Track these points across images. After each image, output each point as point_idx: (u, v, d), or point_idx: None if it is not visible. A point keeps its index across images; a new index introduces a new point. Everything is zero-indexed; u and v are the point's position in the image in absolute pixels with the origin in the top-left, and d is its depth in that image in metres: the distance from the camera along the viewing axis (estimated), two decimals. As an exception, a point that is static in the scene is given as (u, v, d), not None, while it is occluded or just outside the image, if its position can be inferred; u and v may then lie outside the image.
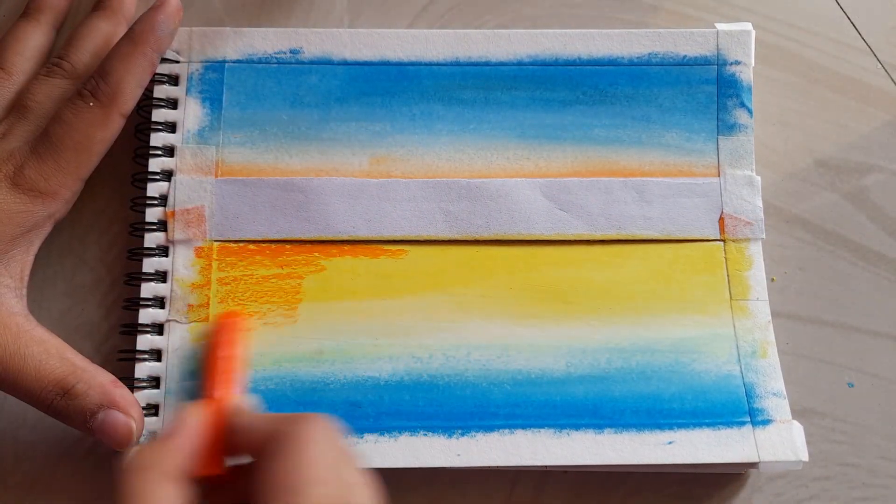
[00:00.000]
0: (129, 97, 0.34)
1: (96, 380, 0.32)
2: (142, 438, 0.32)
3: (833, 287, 0.37)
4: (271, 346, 0.34)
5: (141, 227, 0.35)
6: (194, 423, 0.28)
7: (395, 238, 0.35)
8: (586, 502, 0.34)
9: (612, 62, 0.37)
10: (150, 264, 0.35)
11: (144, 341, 0.34)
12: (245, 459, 0.28)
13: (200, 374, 0.33)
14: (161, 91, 0.36)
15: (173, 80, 0.36)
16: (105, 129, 0.33)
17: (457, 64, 0.37)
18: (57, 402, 0.31)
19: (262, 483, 0.25)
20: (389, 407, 0.33)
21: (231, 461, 0.29)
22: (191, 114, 0.36)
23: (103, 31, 0.36)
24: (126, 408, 0.31)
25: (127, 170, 0.36)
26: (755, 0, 0.40)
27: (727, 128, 0.37)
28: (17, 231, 0.32)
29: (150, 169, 0.35)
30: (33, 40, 0.37)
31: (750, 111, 0.37)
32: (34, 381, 0.31)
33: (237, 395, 0.31)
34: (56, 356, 0.32)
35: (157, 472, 0.26)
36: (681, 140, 0.37)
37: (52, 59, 0.35)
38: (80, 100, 0.33)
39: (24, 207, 0.32)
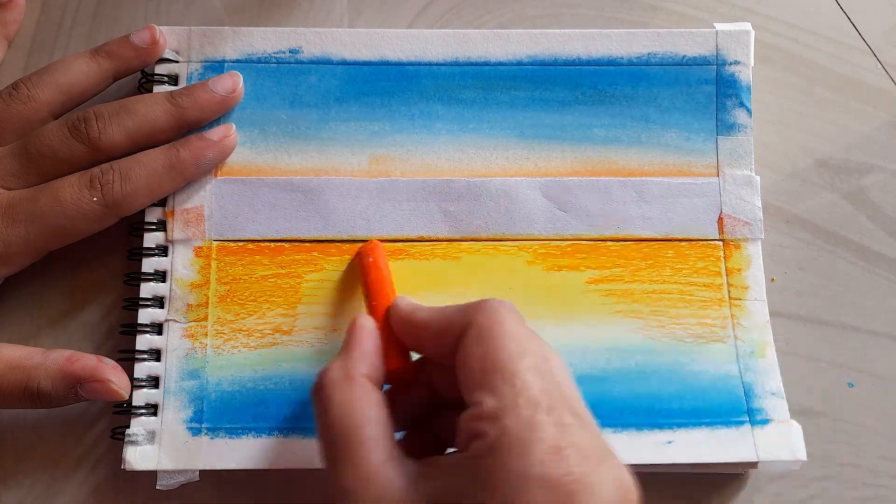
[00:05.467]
0: (137, 207, 0.34)
1: (53, 369, 0.31)
2: (140, 437, 0.33)
3: (833, 287, 0.37)
4: (271, 346, 0.34)
5: (140, 227, 0.35)
6: (370, 326, 0.29)
7: (395, 238, 0.35)
8: (586, 502, 0.34)
9: (612, 62, 0.37)
10: (149, 264, 0.35)
11: (144, 341, 0.34)
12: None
13: (363, 293, 0.33)
14: (161, 91, 0.36)
15: (173, 79, 0.36)
16: (95, 225, 0.33)
17: (456, 64, 0.37)
18: (36, 405, 0.32)
19: (463, 370, 0.26)
20: (389, 407, 0.33)
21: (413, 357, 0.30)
22: (190, 114, 0.36)
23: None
24: (91, 376, 0.31)
25: (127, 170, 0.36)
26: (755, 0, 0.40)
27: (726, 128, 0.37)
28: None
29: (150, 169, 0.35)
30: None
31: (749, 111, 0.37)
32: (4, 401, 0.31)
33: (393, 297, 0.32)
34: (5, 368, 0.31)
35: (354, 378, 0.27)
36: (680, 140, 0.37)
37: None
38: (86, 190, 0.32)
39: None
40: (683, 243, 0.36)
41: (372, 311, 0.31)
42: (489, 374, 0.25)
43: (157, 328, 0.34)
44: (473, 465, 0.24)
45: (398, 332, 0.30)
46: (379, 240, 0.35)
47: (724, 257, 0.36)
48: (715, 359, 0.34)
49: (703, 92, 0.37)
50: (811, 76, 0.39)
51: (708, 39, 0.37)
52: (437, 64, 0.37)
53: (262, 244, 0.35)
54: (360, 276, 0.34)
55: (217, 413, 0.33)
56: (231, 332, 0.34)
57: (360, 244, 0.35)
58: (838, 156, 0.38)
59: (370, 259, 0.33)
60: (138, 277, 0.34)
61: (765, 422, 0.33)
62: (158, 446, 0.33)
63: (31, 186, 0.33)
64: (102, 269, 0.36)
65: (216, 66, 0.37)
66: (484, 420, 0.24)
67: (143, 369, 0.34)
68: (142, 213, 0.35)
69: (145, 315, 0.34)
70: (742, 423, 0.33)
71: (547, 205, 0.36)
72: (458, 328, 0.27)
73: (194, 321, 0.34)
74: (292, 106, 0.36)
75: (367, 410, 0.26)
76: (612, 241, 0.36)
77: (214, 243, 0.35)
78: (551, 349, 0.26)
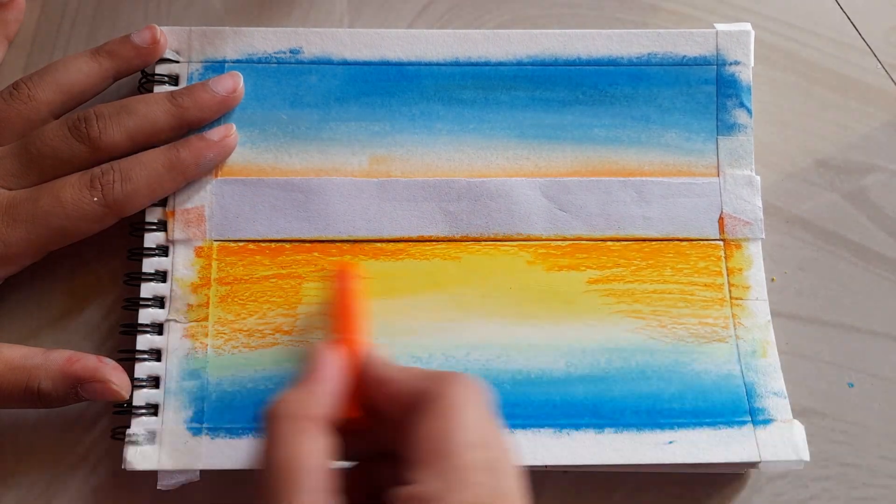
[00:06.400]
0: (137, 207, 0.34)
1: (54, 369, 0.31)
2: (141, 437, 0.33)
3: (833, 287, 0.37)
4: (271, 346, 0.34)
5: (141, 227, 0.35)
6: (335, 366, 0.27)
7: (395, 238, 0.35)
8: (586, 502, 0.34)
9: (612, 62, 0.37)
10: (149, 264, 0.35)
11: (144, 341, 0.34)
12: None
13: (330, 319, 0.31)
14: (162, 91, 0.36)
15: (173, 80, 0.36)
16: (96, 225, 0.33)
17: (456, 64, 0.37)
18: (36, 405, 0.32)
19: (412, 441, 0.24)
20: (389, 407, 0.33)
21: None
22: (191, 114, 0.36)
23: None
24: (92, 376, 0.31)
25: (127, 170, 0.36)
26: (755, 0, 0.40)
27: (726, 128, 0.37)
28: None
29: (150, 169, 0.35)
30: None
31: (749, 111, 0.37)
32: (4, 401, 0.31)
33: (367, 341, 0.30)
34: (6, 369, 0.31)
35: (303, 418, 0.25)
36: (680, 140, 0.37)
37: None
38: (87, 190, 0.32)
39: None
40: (684, 243, 0.36)
41: (339, 344, 0.29)
42: (438, 455, 0.24)
43: (158, 328, 0.34)
44: None
45: (366, 384, 0.28)
46: (379, 239, 0.35)
47: (725, 257, 0.36)
48: (716, 359, 0.34)
49: (703, 92, 0.37)
50: (811, 76, 0.39)
51: (708, 40, 0.37)
52: (438, 64, 0.37)
53: (263, 244, 0.35)
54: (332, 299, 0.31)
55: (218, 413, 0.33)
56: (232, 332, 0.34)
57: (360, 244, 0.35)
58: (838, 156, 0.38)
59: (350, 286, 0.30)
60: (139, 277, 0.34)
61: (767, 422, 0.33)
62: (159, 446, 0.33)
63: (31, 186, 0.33)
64: (102, 269, 0.36)
65: (216, 67, 0.37)
66: (417, 501, 0.23)
67: (143, 369, 0.34)
68: (142, 213, 0.35)
69: (146, 315, 0.34)
70: (744, 422, 0.33)
71: (547, 205, 0.36)
72: (420, 393, 0.26)
73: (195, 321, 0.34)
74: (293, 106, 0.36)
75: (313, 458, 0.24)
76: (612, 241, 0.36)
77: (215, 243, 0.35)
78: (510, 444, 0.26)
